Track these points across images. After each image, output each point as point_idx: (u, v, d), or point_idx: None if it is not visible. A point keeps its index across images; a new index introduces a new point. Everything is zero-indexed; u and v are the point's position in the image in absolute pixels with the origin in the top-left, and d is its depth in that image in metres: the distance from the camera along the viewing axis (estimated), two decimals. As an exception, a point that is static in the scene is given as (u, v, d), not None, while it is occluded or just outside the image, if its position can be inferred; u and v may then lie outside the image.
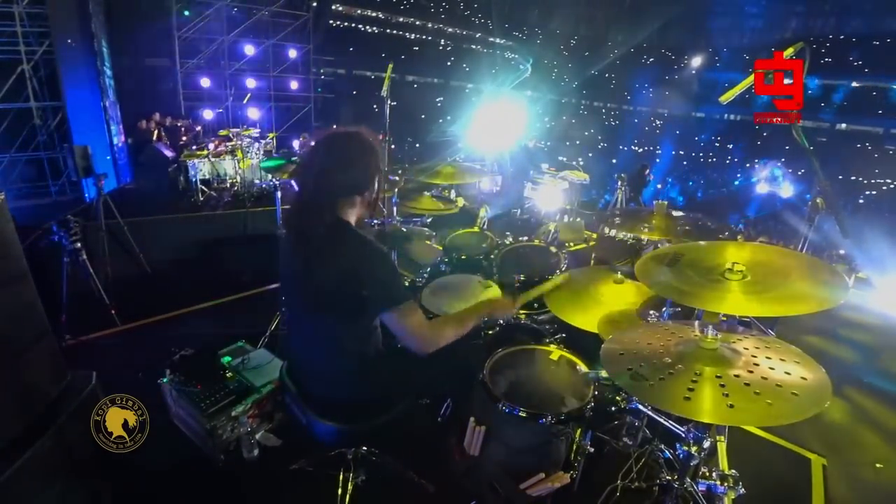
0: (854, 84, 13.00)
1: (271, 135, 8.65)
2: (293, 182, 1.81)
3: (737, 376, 1.18)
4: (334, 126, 1.61)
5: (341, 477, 1.94)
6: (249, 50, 9.86)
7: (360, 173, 1.52)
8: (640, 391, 1.22)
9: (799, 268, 1.41)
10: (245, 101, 9.23)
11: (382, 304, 1.46)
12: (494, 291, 2.38)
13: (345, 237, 1.48)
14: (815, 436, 2.52)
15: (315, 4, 10.64)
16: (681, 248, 1.61)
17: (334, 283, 1.45)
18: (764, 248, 1.54)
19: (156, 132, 7.85)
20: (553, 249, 2.85)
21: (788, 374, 1.18)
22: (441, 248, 3.03)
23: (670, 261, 1.51)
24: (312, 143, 1.57)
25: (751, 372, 1.19)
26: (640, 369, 1.25)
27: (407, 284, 2.92)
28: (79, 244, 3.10)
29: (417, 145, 10.07)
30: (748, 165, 11.88)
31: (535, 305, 2.51)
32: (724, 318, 1.49)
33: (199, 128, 8.76)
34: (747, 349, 1.29)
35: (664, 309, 1.89)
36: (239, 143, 7.42)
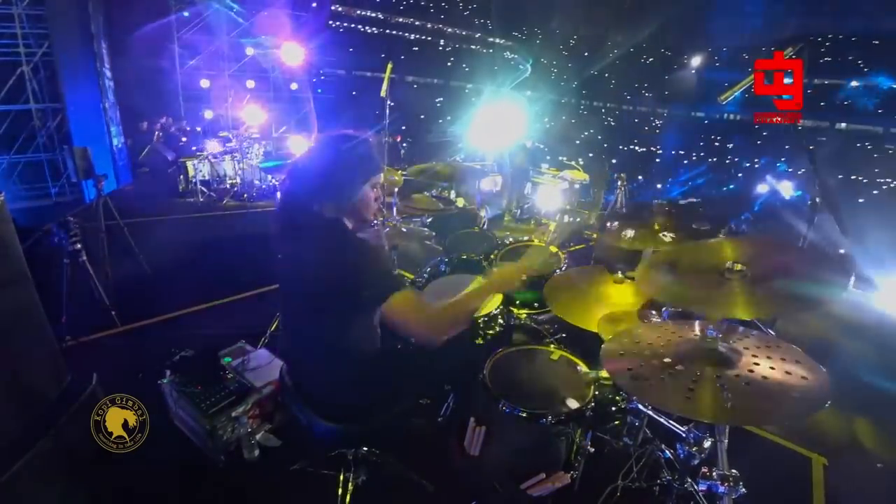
0: (854, 84, 13.00)
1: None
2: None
3: (737, 376, 1.18)
4: (334, 127, 1.60)
5: (341, 477, 1.94)
6: (249, 51, 9.87)
7: (344, 179, 1.51)
8: (640, 391, 1.22)
9: (799, 262, 1.41)
10: (245, 102, 9.23)
11: (376, 299, 1.41)
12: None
13: (333, 235, 1.48)
14: (815, 436, 2.52)
15: (315, 4, 10.64)
16: (678, 250, 1.62)
17: (325, 282, 1.45)
18: (763, 243, 1.53)
19: (157, 134, 7.86)
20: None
21: (789, 374, 1.18)
22: (441, 248, 3.03)
23: (670, 265, 1.51)
24: (309, 145, 1.56)
25: (751, 372, 1.19)
26: (641, 369, 1.25)
27: (407, 285, 2.92)
28: (79, 245, 3.10)
29: (405, 145, 10.06)
30: (748, 165, 11.88)
31: (536, 305, 2.51)
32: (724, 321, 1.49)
33: (198, 128, 8.77)
34: (747, 349, 1.29)
35: (664, 309, 1.90)
36: (239, 143, 7.43)
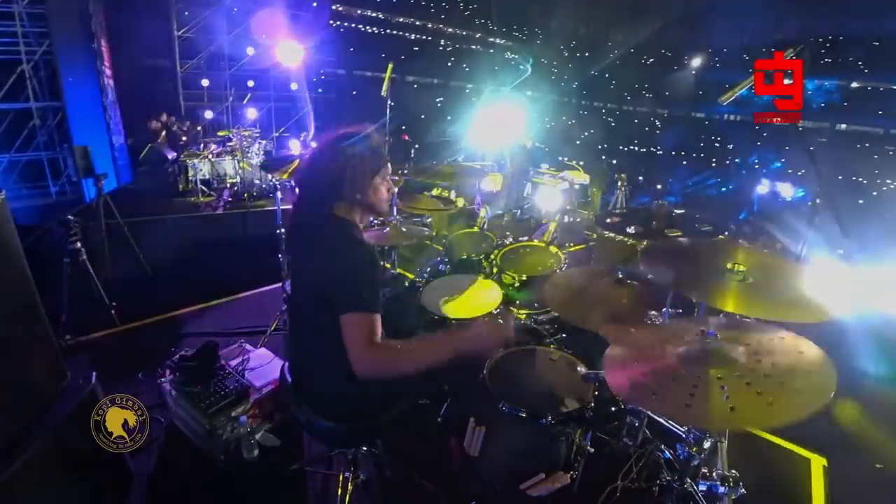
0: (854, 84, 13.00)
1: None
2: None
3: (738, 376, 1.18)
4: (334, 127, 1.59)
5: (341, 477, 1.94)
6: (250, 50, 9.88)
7: (355, 176, 1.50)
8: (643, 402, 1.21)
9: (800, 277, 1.41)
10: (245, 102, 9.23)
11: (342, 307, 1.36)
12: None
13: (333, 234, 1.48)
14: (816, 436, 2.52)
15: (315, 4, 10.64)
16: (681, 244, 1.62)
17: (322, 280, 1.45)
18: (766, 255, 1.54)
19: (163, 133, 7.86)
20: (553, 249, 2.85)
21: (790, 374, 1.18)
22: (441, 248, 3.03)
23: (675, 252, 1.52)
24: (308, 146, 1.57)
25: (752, 370, 1.19)
26: (642, 379, 1.24)
27: (407, 284, 2.92)
28: (79, 244, 3.10)
29: (417, 146, 10.05)
30: (748, 166, 11.88)
31: (536, 305, 2.51)
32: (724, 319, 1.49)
33: (199, 128, 8.77)
34: (748, 345, 1.29)
35: (664, 309, 1.90)
36: (239, 143, 7.43)
